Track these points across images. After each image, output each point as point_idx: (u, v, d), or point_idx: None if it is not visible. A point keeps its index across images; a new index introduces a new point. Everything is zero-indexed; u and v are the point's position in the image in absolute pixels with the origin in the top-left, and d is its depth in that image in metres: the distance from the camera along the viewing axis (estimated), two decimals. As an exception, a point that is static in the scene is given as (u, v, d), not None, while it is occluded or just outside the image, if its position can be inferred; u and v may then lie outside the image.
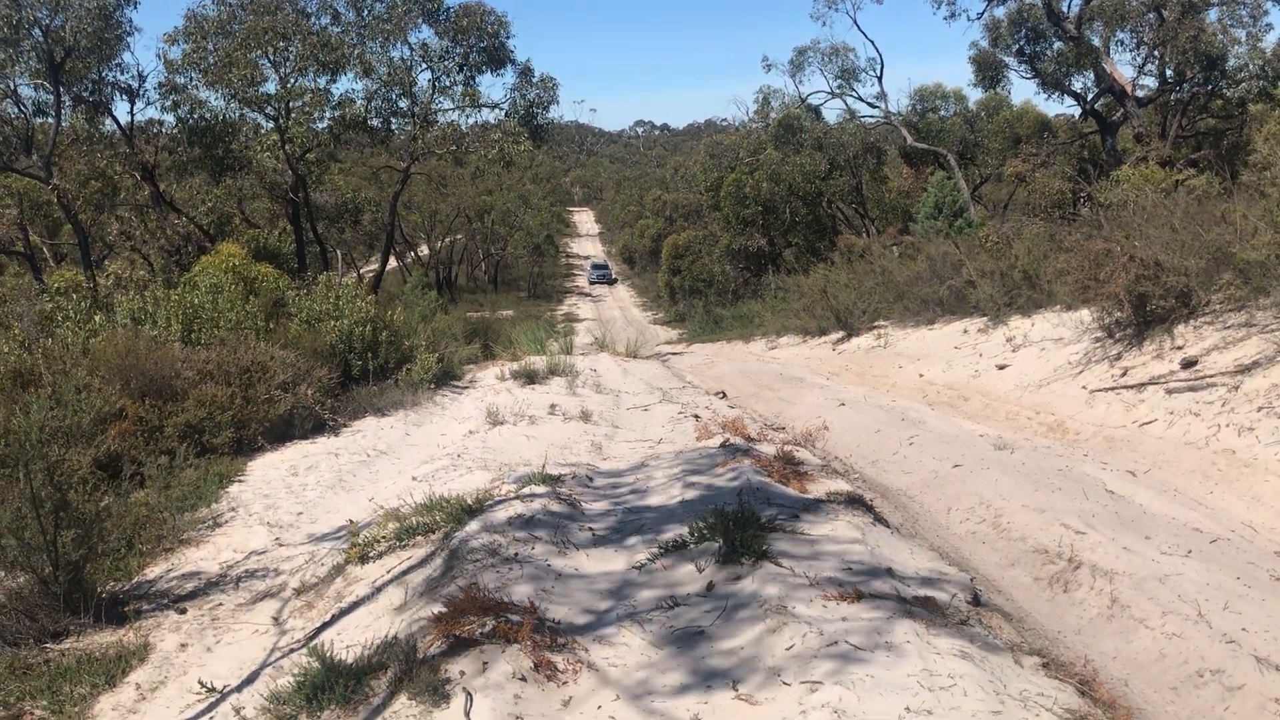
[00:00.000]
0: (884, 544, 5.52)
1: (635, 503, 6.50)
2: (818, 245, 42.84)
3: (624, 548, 5.55)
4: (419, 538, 5.96)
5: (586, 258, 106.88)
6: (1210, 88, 31.34)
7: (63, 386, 7.02)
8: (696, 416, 10.30)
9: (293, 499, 8.13)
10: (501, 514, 5.89)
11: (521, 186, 76.37)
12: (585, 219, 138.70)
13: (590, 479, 7.18)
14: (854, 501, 6.36)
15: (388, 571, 5.62)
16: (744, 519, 5.29)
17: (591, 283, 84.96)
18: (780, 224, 45.18)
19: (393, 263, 59.62)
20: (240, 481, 8.83)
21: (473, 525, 5.74)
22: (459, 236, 78.30)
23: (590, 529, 5.85)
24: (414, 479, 7.90)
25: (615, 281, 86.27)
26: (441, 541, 5.75)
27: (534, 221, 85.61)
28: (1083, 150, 36.30)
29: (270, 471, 9.14)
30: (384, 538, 6.01)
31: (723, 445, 7.76)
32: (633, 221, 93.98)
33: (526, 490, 6.39)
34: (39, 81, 23.13)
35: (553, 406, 11.05)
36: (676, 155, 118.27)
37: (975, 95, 41.60)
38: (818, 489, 6.66)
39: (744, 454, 7.32)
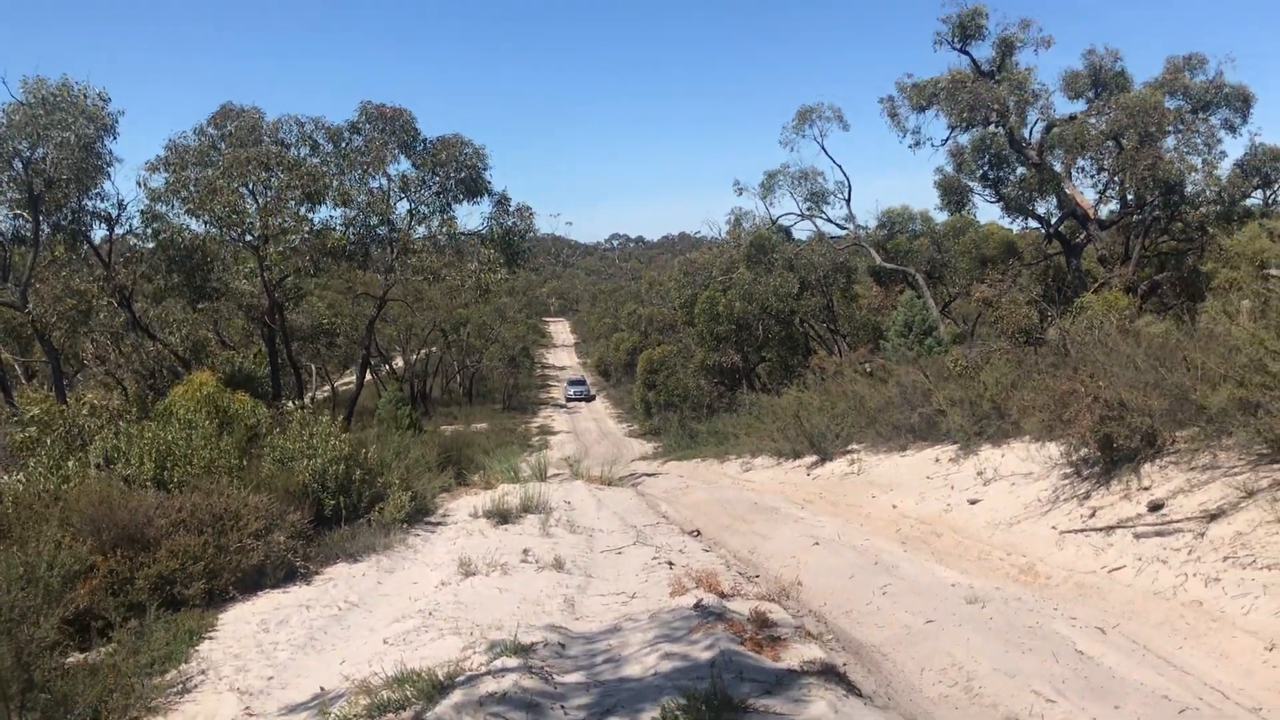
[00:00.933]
0: (856, 723, 5.54)
1: (609, 675, 6.49)
2: (791, 361, 43.37)
3: (597, 730, 5.55)
4: (390, 715, 5.92)
5: (562, 368, 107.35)
6: (1170, 212, 32.29)
7: (34, 555, 7.02)
8: (670, 564, 10.33)
9: (264, 660, 8.05)
10: (474, 692, 5.87)
11: (498, 300, 77.17)
12: (561, 329, 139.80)
13: (563, 645, 7.17)
14: (827, 672, 6.38)
15: (358, 755, 5.57)
16: (716, 702, 5.31)
17: (568, 399, 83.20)
18: (754, 340, 45.76)
19: (367, 376, 59.75)
20: (210, 639, 8.74)
21: (444, 705, 5.72)
22: (434, 349, 78.71)
23: (564, 708, 5.83)
24: (385, 641, 7.86)
25: (593, 398, 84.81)
26: (413, 721, 5.72)
27: (510, 334, 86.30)
28: (1048, 271, 37.13)
29: (241, 627, 9.06)
30: (355, 715, 5.97)
31: (696, 605, 7.78)
32: (608, 334, 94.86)
33: (498, 664, 6.37)
34: (18, 212, 23.40)
35: (526, 552, 11.05)
36: (651, 269, 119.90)
37: (942, 217, 42.65)
38: (791, 656, 6.68)
39: (718, 617, 7.34)
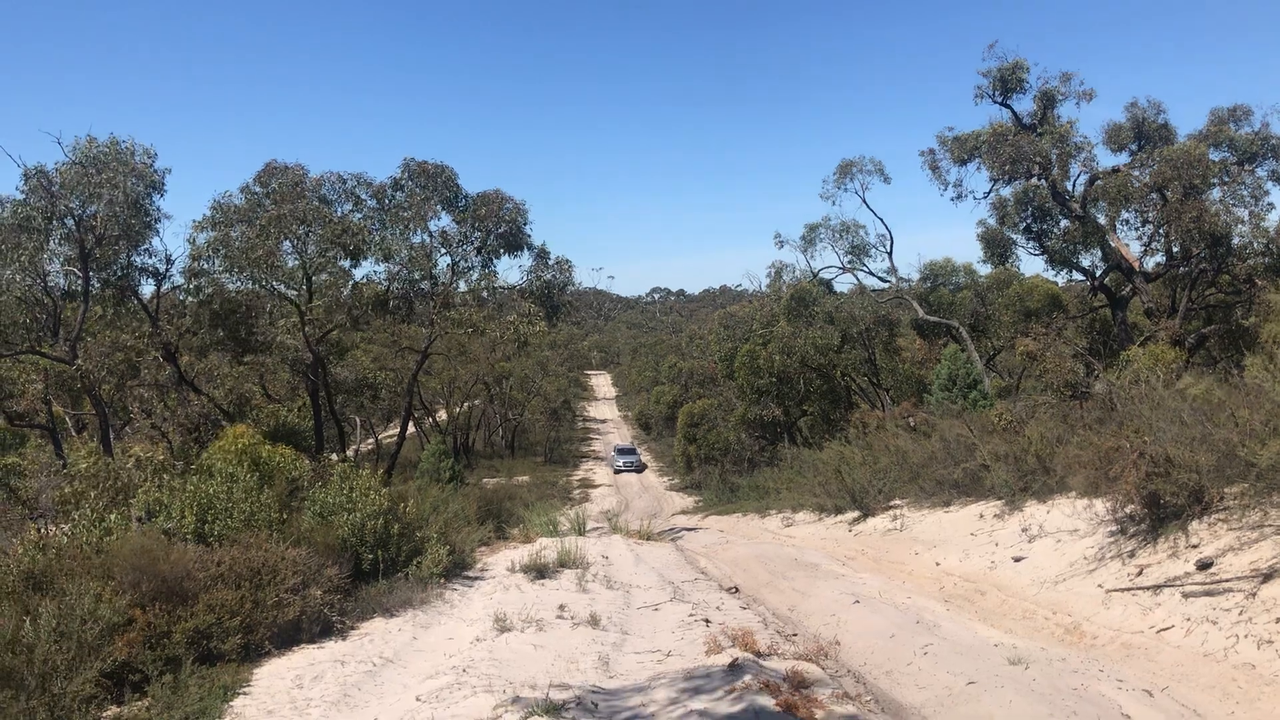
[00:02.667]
0: (893, 789, 5.41)
1: (640, 735, 6.40)
2: (833, 415, 43.09)
3: (627, 793, 5.46)
4: (420, 775, 5.86)
5: (604, 421, 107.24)
6: (1217, 264, 31.84)
7: (71, 608, 7.07)
8: (707, 621, 10.21)
9: (297, 716, 8.02)
10: (504, 753, 5.81)
11: (540, 354, 77.52)
12: (602, 382, 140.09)
13: (595, 705, 7.08)
14: (863, 735, 6.25)
15: (387, 816, 5.51)
16: (749, 765, 5.21)
17: (616, 471, 71.73)
18: (795, 394, 45.52)
19: (411, 428, 60.11)
20: (245, 694, 8.71)
21: (474, 766, 5.65)
22: (477, 402, 79.09)
23: (593, 770, 5.75)
24: (418, 699, 7.80)
25: (644, 468, 73.75)
26: (443, 782, 5.66)
27: (551, 387, 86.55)
28: (1094, 324, 36.68)
29: (275, 682, 9.03)
30: (385, 775, 5.92)
31: (731, 665, 7.67)
32: (649, 387, 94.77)
33: (530, 724, 6.31)
34: (69, 268, 23.88)
35: (562, 608, 10.97)
36: (692, 323, 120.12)
37: (985, 270, 42.34)
38: (828, 718, 6.56)
39: (753, 677, 7.22)
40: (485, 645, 9.43)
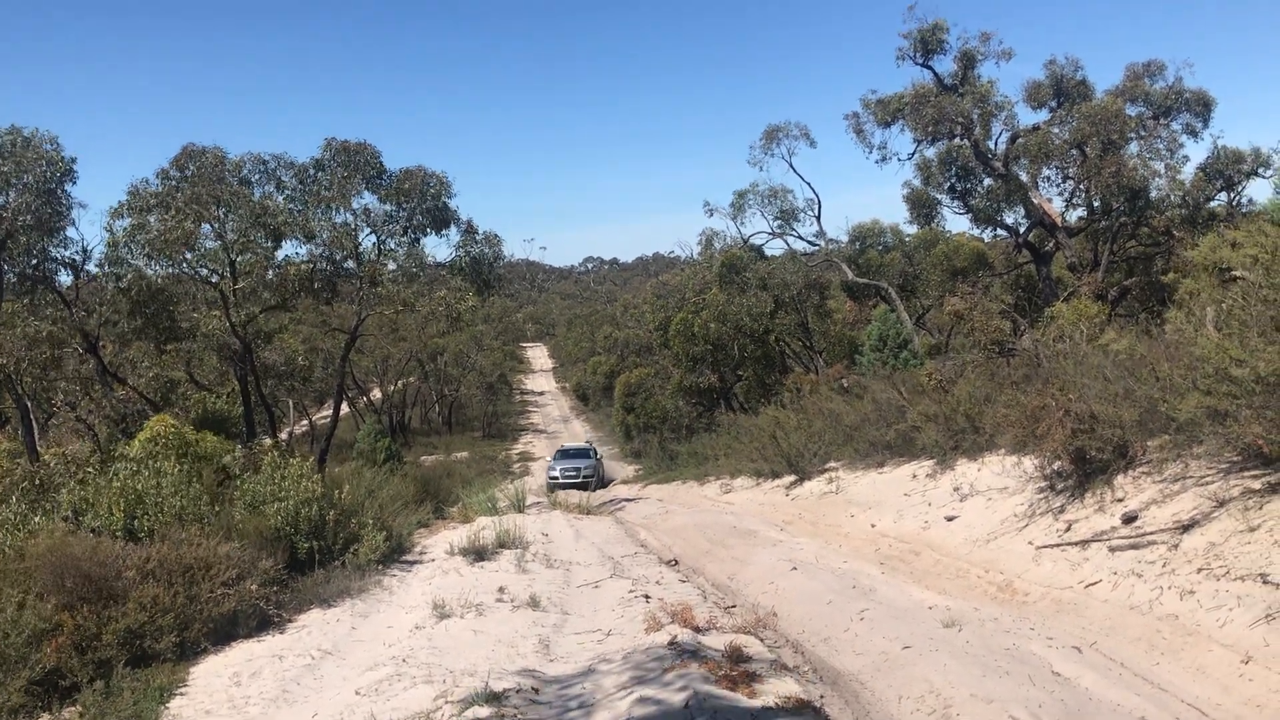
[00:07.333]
0: (831, 761, 5.48)
1: (581, 721, 6.42)
2: (768, 380, 43.36)
3: (569, 780, 5.47)
4: (360, 773, 5.82)
5: (541, 393, 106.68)
6: (1136, 217, 32.52)
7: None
8: (647, 598, 10.26)
9: (235, 715, 7.93)
10: (444, 746, 5.79)
11: (474, 329, 76.83)
12: (539, 354, 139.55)
13: (536, 691, 7.08)
14: (802, 708, 6.32)
15: (327, 816, 5.46)
16: (689, 747, 5.25)
17: (553, 488, 38.93)
18: (730, 360, 45.71)
19: (345, 408, 59.44)
20: (182, 694, 8.59)
21: (414, 761, 5.63)
22: (411, 379, 78.43)
23: (535, 758, 5.76)
24: (358, 692, 7.74)
25: (606, 482, 46.47)
26: (383, 778, 5.62)
27: (487, 361, 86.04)
28: (1019, 280, 37.28)
29: (213, 680, 8.91)
30: (324, 775, 5.87)
31: (670, 643, 7.72)
32: (585, 358, 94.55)
33: (469, 714, 6.29)
34: (-20, 260, 23.12)
35: (501, 590, 10.95)
36: (626, 292, 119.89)
37: (912, 230, 42.79)
38: (767, 693, 6.62)
39: (692, 655, 7.28)
40: (425, 633, 9.38)
